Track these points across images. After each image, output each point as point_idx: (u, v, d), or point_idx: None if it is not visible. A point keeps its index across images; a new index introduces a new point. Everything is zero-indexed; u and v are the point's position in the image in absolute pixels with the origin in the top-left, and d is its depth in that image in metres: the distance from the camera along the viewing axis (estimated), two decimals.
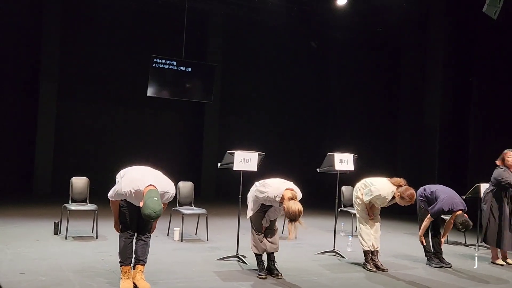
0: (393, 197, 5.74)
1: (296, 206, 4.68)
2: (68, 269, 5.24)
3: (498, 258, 6.68)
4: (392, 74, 13.22)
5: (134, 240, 4.69)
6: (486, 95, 10.81)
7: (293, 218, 4.66)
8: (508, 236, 6.46)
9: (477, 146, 10.70)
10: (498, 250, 6.69)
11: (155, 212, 4.11)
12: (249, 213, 5.34)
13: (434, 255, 6.36)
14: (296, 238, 5.74)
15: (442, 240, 6.39)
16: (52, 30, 12.35)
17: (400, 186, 5.70)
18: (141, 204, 4.19)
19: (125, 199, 4.53)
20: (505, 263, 6.64)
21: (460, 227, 5.97)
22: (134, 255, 4.68)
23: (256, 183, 5.35)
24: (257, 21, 13.78)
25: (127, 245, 4.61)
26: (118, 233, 4.71)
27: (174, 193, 4.61)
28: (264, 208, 5.26)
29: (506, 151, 6.60)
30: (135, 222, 4.63)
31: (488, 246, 6.80)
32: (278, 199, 4.94)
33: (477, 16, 8.84)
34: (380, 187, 5.78)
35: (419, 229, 6.32)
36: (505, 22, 8.88)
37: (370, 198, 5.83)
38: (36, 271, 5.08)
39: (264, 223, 5.29)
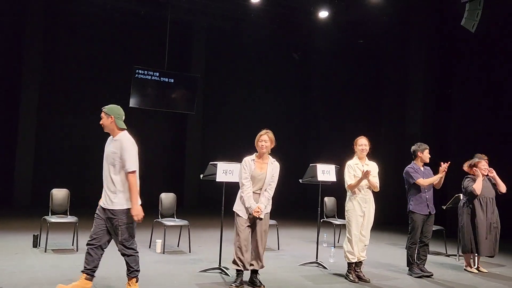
0: (359, 158, 6.12)
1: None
2: (48, 282, 5.15)
3: (471, 267, 6.80)
4: (374, 85, 13.36)
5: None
6: (466, 106, 10.98)
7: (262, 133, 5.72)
8: (485, 242, 6.55)
9: (458, 155, 10.81)
10: (471, 259, 6.82)
11: None
12: (235, 206, 5.43)
13: (416, 266, 6.40)
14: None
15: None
16: (34, 40, 12.24)
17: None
18: None
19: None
20: (477, 271, 6.76)
21: None
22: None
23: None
24: (239, 32, 13.85)
25: None
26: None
27: None
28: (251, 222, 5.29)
29: (477, 159, 6.78)
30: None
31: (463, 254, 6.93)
32: (252, 156, 5.60)
33: (456, 29, 9.01)
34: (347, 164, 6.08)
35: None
36: (483, 35, 9.06)
37: (348, 175, 6.00)
38: (15, 284, 4.99)
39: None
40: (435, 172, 6.45)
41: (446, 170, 6.27)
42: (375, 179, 6.01)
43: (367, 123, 13.79)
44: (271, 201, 5.51)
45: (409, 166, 6.54)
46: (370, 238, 6.11)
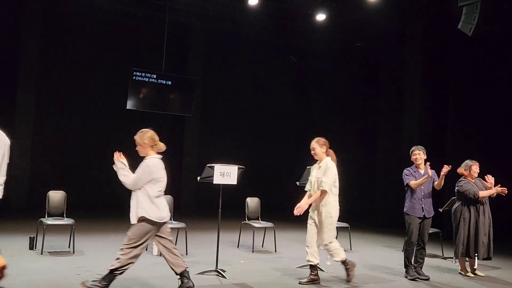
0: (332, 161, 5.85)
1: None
2: (44, 285, 5.14)
3: (467, 270, 6.80)
4: (371, 88, 13.40)
5: None
6: (462, 109, 11.02)
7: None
8: (480, 245, 6.56)
9: (454, 159, 10.84)
10: (466, 261, 6.82)
11: None
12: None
13: (414, 268, 6.40)
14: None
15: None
16: (31, 42, 12.23)
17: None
18: None
19: None
20: (473, 275, 6.77)
21: None
22: None
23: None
24: (237, 34, 13.86)
25: None
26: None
27: None
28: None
29: (472, 163, 6.80)
30: None
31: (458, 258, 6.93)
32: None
33: (453, 32, 9.04)
34: (332, 165, 5.81)
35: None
36: (480, 38, 9.09)
37: (330, 180, 5.71)
38: (11, 287, 4.97)
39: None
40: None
41: (446, 173, 6.26)
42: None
43: (364, 125, 13.83)
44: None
45: (407, 168, 6.58)
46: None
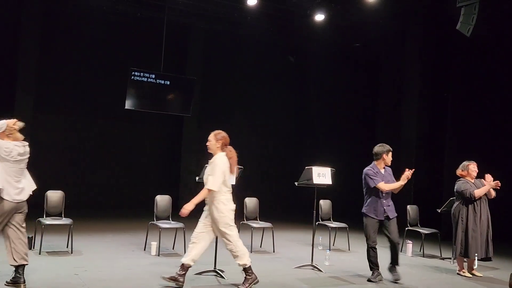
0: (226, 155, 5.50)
1: None
2: (42, 285, 5.13)
3: (465, 271, 6.81)
4: (370, 88, 13.40)
5: None
6: (461, 110, 11.03)
7: None
8: (478, 244, 6.56)
9: (453, 159, 10.86)
10: (464, 262, 6.83)
11: None
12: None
13: (388, 268, 6.21)
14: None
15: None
16: (30, 42, 12.19)
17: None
18: None
19: None
20: (471, 275, 6.77)
21: None
22: None
23: None
24: (236, 35, 13.86)
25: None
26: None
27: None
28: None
29: (468, 163, 6.81)
30: None
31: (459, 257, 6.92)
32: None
33: (452, 33, 9.04)
34: (220, 161, 5.44)
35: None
36: (478, 39, 9.10)
37: (216, 178, 5.34)
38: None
39: None
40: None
41: (409, 177, 6.00)
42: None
43: (363, 126, 13.84)
44: None
45: (369, 167, 6.24)
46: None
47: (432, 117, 11.90)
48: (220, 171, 5.35)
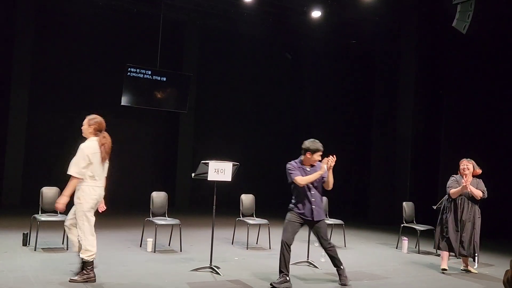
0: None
1: None
2: (37, 281, 5.12)
3: (446, 264, 6.79)
4: (365, 85, 13.41)
5: None
6: (457, 107, 11.05)
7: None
8: (453, 241, 6.59)
9: (448, 156, 10.90)
10: (460, 259, 6.90)
11: None
12: None
13: (338, 270, 5.68)
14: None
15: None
16: (25, 38, 12.13)
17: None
18: None
19: None
20: (465, 271, 6.82)
21: None
22: None
23: None
24: (232, 31, 13.84)
25: None
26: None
27: None
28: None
29: (462, 160, 6.80)
30: None
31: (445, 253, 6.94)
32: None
33: (448, 30, 9.05)
34: (84, 146, 5.36)
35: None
36: (474, 36, 9.11)
37: (76, 163, 5.20)
38: (4, 283, 4.95)
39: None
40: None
41: (331, 166, 5.40)
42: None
43: (358, 123, 13.85)
44: None
45: (291, 162, 5.70)
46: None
47: (427, 115, 11.93)
48: (82, 156, 5.18)
